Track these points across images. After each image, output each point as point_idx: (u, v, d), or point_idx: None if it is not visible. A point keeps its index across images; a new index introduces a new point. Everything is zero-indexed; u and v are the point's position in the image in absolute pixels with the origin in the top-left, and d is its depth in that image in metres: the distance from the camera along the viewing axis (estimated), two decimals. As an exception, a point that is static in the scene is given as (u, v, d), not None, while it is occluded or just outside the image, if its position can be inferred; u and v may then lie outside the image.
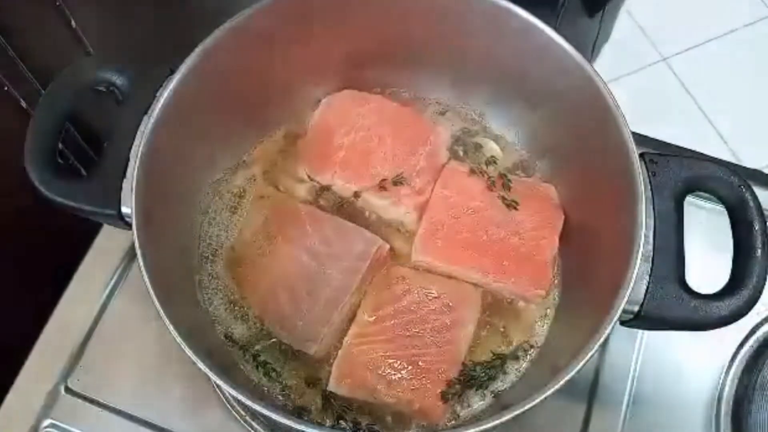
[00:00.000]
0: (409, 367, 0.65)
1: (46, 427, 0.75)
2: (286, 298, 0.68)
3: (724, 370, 0.77)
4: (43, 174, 0.61)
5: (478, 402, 0.66)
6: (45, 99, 0.63)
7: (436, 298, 0.68)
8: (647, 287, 0.57)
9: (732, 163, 0.85)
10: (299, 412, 0.67)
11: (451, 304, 0.68)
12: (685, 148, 0.92)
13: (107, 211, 0.61)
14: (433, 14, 0.70)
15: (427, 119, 0.78)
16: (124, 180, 0.61)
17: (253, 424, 0.73)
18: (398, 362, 0.66)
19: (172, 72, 0.63)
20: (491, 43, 0.70)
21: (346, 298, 0.68)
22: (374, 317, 0.68)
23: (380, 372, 0.65)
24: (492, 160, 0.77)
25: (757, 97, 1.61)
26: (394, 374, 0.65)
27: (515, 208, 0.71)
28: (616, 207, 0.61)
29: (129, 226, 0.59)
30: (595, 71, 0.63)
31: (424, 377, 0.65)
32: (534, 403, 0.53)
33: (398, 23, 0.71)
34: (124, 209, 0.60)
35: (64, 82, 0.64)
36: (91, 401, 0.75)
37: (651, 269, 0.57)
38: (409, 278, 0.69)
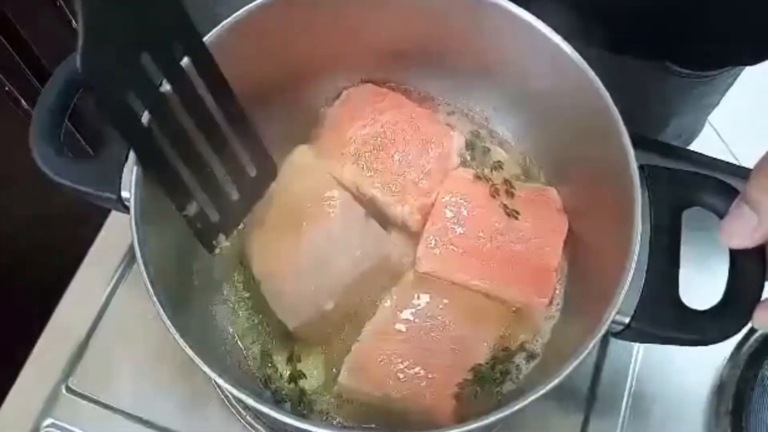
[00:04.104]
0: (422, 367, 0.66)
1: (46, 426, 0.75)
2: (289, 270, 0.69)
3: (725, 368, 0.77)
4: (46, 153, 0.61)
5: (483, 407, 0.66)
6: (55, 77, 0.63)
7: (460, 310, 0.69)
8: (639, 300, 0.56)
9: (733, 165, 0.85)
10: (300, 411, 0.67)
11: (475, 318, 0.68)
12: (688, 150, 0.92)
13: (106, 194, 0.61)
14: (444, 14, 0.70)
15: (442, 122, 0.78)
16: (126, 164, 0.61)
17: (254, 423, 0.74)
18: (411, 360, 0.66)
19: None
20: (495, 46, 0.70)
21: (339, 289, 0.68)
22: (394, 319, 0.68)
23: (392, 367, 0.66)
24: (498, 165, 0.77)
25: (757, 97, 1.61)
26: (406, 370, 0.66)
27: (515, 218, 0.71)
28: (613, 217, 0.61)
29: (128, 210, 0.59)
30: (598, 79, 0.63)
31: (435, 377, 0.66)
32: (514, 409, 0.53)
33: (414, 21, 0.72)
34: (124, 193, 0.60)
35: (74, 64, 0.63)
36: (92, 401, 0.75)
37: (644, 282, 0.57)
38: (436, 287, 0.70)
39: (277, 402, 0.67)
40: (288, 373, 0.69)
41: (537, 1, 0.66)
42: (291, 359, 0.69)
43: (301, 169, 0.73)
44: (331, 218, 0.70)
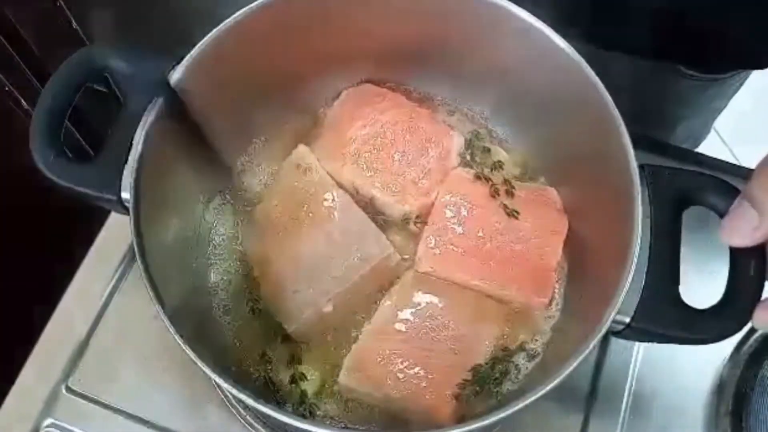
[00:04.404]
0: (422, 367, 0.66)
1: (47, 426, 0.75)
2: (288, 272, 0.69)
3: (725, 368, 0.77)
4: (46, 154, 0.61)
5: (482, 406, 0.66)
6: (54, 78, 0.63)
7: (460, 310, 0.69)
8: (639, 299, 0.56)
9: (734, 165, 0.85)
10: (300, 412, 0.67)
11: (475, 318, 0.68)
12: (688, 150, 0.92)
13: (107, 195, 0.60)
14: (444, 14, 0.70)
15: (442, 122, 0.78)
16: (126, 165, 0.60)
17: (254, 423, 0.74)
18: (411, 360, 0.66)
19: (182, 59, 0.63)
20: (495, 46, 0.70)
21: (337, 291, 0.68)
22: (394, 318, 0.68)
23: (391, 367, 0.66)
24: (498, 165, 0.76)
25: (758, 98, 1.61)
26: (405, 370, 0.66)
27: (515, 218, 0.71)
28: (613, 217, 0.61)
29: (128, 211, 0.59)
30: (598, 79, 0.63)
31: (434, 377, 0.66)
32: (514, 409, 0.53)
33: (414, 22, 0.72)
34: (124, 195, 0.60)
35: (74, 65, 0.63)
36: (92, 401, 0.76)
37: (644, 281, 0.57)
38: (436, 287, 0.70)
39: (278, 402, 0.67)
40: (288, 374, 0.68)
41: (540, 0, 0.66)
42: (291, 361, 0.69)
43: (301, 170, 0.73)
44: (330, 220, 0.70)
